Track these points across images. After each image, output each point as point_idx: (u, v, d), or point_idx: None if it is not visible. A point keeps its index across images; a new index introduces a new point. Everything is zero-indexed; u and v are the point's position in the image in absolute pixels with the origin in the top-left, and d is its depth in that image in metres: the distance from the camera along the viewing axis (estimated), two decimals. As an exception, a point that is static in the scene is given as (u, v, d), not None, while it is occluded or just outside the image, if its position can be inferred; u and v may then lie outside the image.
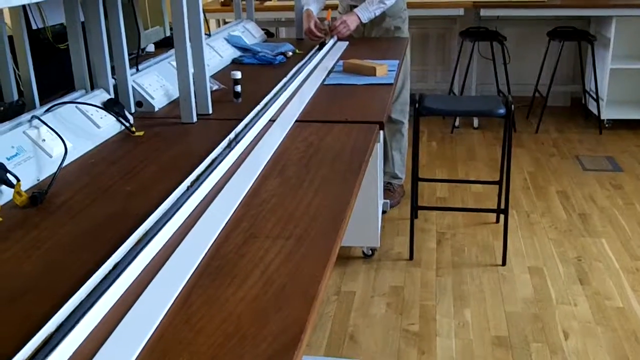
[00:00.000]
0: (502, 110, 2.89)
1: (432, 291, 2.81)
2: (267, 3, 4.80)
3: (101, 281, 1.08)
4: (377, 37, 3.39)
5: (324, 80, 2.47)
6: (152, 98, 2.14)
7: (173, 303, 1.03)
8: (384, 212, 3.40)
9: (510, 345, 2.43)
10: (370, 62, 2.56)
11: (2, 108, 1.95)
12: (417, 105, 2.95)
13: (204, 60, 2.01)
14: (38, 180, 1.56)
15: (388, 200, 3.49)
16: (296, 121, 1.96)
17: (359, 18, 3.21)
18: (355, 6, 3.35)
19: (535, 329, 2.52)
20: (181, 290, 1.07)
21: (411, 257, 3.07)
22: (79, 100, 1.82)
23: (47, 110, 1.75)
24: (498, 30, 4.82)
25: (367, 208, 2.77)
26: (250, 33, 3.26)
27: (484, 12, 4.65)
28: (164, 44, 2.86)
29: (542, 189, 3.79)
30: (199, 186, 1.45)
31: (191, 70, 1.98)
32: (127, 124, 1.89)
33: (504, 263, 2.99)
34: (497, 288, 2.81)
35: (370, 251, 3.07)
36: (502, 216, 3.13)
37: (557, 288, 2.80)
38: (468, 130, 4.84)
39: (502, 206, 3.04)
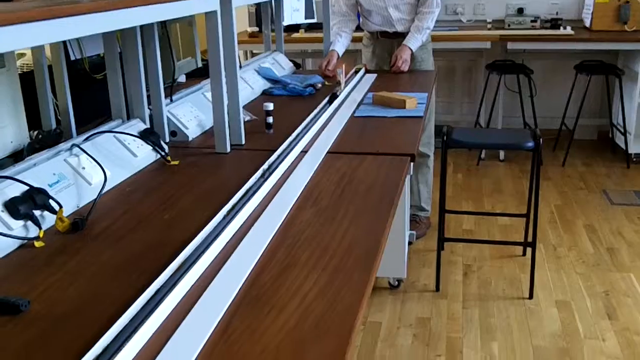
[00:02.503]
0: (530, 144, 2.90)
1: (458, 323, 2.80)
2: (294, 35, 4.87)
3: (143, 307, 1.11)
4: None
5: (354, 112, 2.50)
6: (186, 128, 2.18)
7: (213, 332, 1.05)
8: (409, 243, 3.40)
9: (538, 380, 2.42)
10: (399, 94, 2.59)
11: (40, 136, 2.02)
12: (445, 137, 2.97)
13: (238, 91, 2.06)
14: (78, 207, 1.60)
15: (414, 232, 3.49)
16: (328, 152, 1.99)
17: (411, 49, 3.29)
18: (385, 32, 3.42)
19: (564, 364, 2.50)
20: (221, 319, 1.09)
21: (437, 289, 3.06)
22: (117, 130, 1.87)
23: (86, 139, 1.79)
24: (525, 63, 4.84)
25: (393, 239, 2.78)
26: (279, 65, 3.32)
27: (510, 46, 4.68)
28: (196, 75, 2.92)
29: (569, 223, 3.77)
30: (235, 215, 1.47)
31: (225, 101, 2.02)
32: (163, 154, 1.94)
33: (531, 296, 2.98)
34: (524, 322, 2.79)
35: (396, 282, 3.07)
36: (528, 249, 3.12)
37: (584, 323, 2.77)
38: (494, 162, 4.84)
39: (530, 239, 3.03)
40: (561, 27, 4.79)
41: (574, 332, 2.70)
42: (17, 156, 1.83)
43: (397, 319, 2.84)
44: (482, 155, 4.86)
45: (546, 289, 3.05)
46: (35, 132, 2.03)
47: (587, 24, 4.84)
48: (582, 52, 4.84)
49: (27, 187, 1.45)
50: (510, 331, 2.73)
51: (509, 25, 4.88)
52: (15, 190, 1.45)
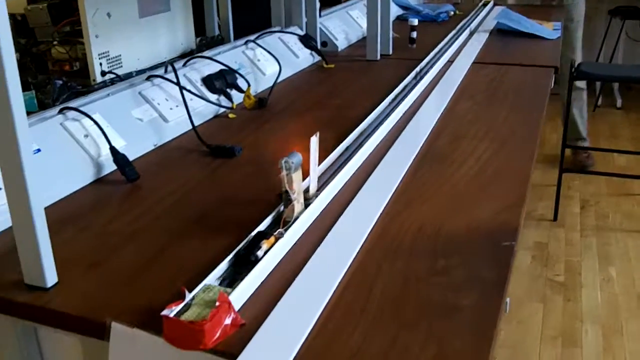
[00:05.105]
0: (661, 78, 2.91)
1: (577, 249, 2.88)
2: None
3: (336, 159, 1.28)
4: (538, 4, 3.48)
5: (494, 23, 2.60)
6: (336, 39, 2.35)
7: (403, 177, 1.21)
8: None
9: (657, 303, 2.49)
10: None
11: (204, 41, 2.22)
12: (572, 70, 3.01)
13: (390, 4, 2.19)
14: (255, 92, 1.79)
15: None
16: (473, 63, 2.10)
17: None
18: None
19: (683, 292, 2.56)
20: (408, 169, 1.25)
21: (555, 219, 3.14)
22: (283, 30, 2.05)
23: (257, 38, 1.98)
24: (651, 9, 4.72)
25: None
26: (410, -6, 3.42)
27: (637, -10, 4.58)
28: (326, 4, 3.06)
29: (690, 168, 3.74)
30: (399, 103, 1.62)
31: (379, 13, 2.16)
32: (321, 57, 2.10)
33: (650, 231, 3.02)
34: (643, 252, 2.85)
35: (514, 209, 3.16)
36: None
37: None
38: (610, 110, 4.79)
39: (653, 175, 3.06)
40: (693, -27, 4.64)
41: (694, 265, 2.74)
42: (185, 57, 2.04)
43: (515, 242, 2.94)
44: (599, 102, 4.81)
45: (666, 226, 3.08)
46: (199, 38, 2.23)
47: None
48: None
49: (220, 67, 1.64)
50: (629, 259, 2.79)
51: (636, -31, 4.76)
52: (209, 69, 1.65)
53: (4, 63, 0.75)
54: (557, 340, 2.29)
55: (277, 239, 0.93)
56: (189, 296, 0.79)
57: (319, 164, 1.18)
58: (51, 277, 0.84)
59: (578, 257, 2.82)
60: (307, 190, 1.06)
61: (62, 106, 1.27)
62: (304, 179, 1.02)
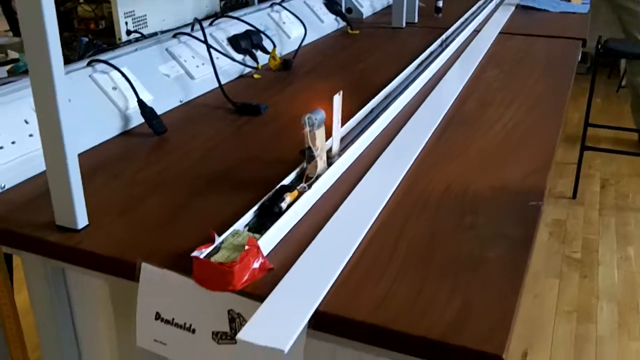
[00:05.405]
0: (689, 57, 2.87)
1: (595, 227, 2.87)
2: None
3: (362, 119, 1.28)
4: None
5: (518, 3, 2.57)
6: (361, 6, 2.33)
7: (429, 139, 1.21)
8: None
9: (675, 282, 2.48)
10: (563, -5, 2.63)
11: (228, 4, 2.22)
12: (599, 46, 2.97)
13: (416, -29, 2.18)
14: (280, 54, 1.78)
15: None
16: (499, 33, 2.08)
17: None
18: None
19: (702, 272, 2.54)
20: (434, 132, 1.24)
21: (574, 196, 3.13)
22: (309, -5, 2.04)
23: (282, 1, 1.97)
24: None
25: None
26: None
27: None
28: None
29: None
30: (425, 69, 1.61)
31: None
32: (346, 22, 2.09)
33: (670, 211, 3.00)
34: (662, 232, 2.83)
35: (533, 185, 3.15)
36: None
37: None
38: (634, 90, 4.73)
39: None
40: None
41: None
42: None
43: (533, 218, 2.93)
44: (623, 83, 4.75)
45: (686, 207, 3.06)
46: (223, 1, 2.23)
47: None
48: None
49: (245, 28, 1.64)
50: (648, 239, 2.78)
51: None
52: (235, 29, 1.64)
53: (44, 11, 0.76)
54: (572, 315, 2.29)
55: (300, 193, 0.93)
56: (218, 240, 0.79)
57: (343, 125, 1.19)
58: (82, 219, 0.85)
59: (596, 235, 2.80)
60: (330, 150, 1.06)
61: (90, 59, 1.27)
62: (327, 138, 1.01)
